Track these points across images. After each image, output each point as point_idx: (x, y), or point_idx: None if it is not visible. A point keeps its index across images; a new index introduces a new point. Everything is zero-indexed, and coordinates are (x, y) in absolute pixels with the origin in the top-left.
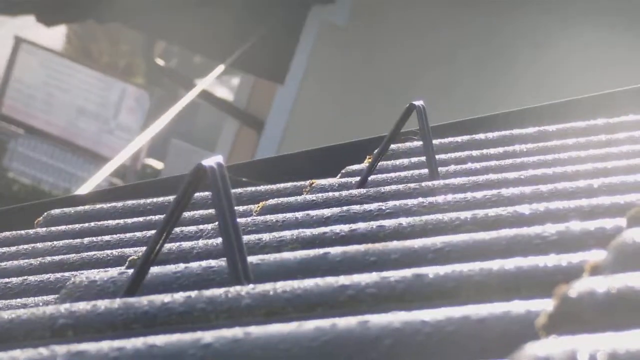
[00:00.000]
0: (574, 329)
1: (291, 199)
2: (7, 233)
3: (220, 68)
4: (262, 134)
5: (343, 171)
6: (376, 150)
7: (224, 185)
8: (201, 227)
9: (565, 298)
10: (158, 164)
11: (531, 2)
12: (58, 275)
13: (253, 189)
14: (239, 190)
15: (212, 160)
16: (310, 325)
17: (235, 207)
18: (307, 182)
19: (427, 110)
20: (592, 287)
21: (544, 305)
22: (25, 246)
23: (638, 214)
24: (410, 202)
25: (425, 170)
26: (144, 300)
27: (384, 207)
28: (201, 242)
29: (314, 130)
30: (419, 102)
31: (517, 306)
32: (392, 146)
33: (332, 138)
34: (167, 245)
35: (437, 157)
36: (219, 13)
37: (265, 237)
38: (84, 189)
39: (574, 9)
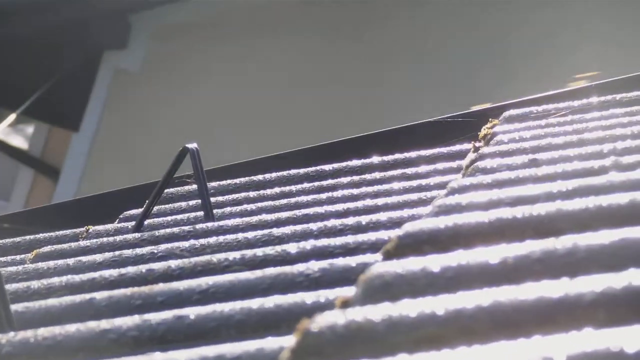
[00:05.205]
0: None
1: (65, 245)
2: None
3: (12, 117)
4: (58, 182)
5: (121, 216)
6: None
7: None
8: None
9: (307, 332)
10: None
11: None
12: None
13: (32, 237)
14: (18, 238)
15: None
16: None
17: (12, 256)
18: (84, 228)
19: (200, 153)
20: (334, 321)
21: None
22: None
23: (392, 248)
24: (183, 244)
25: (201, 213)
26: None
27: (155, 251)
28: None
29: (112, 176)
30: (192, 145)
31: (272, 342)
32: (172, 189)
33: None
34: None
35: (214, 199)
36: (9, 60)
37: (35, 284)
38: None
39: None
